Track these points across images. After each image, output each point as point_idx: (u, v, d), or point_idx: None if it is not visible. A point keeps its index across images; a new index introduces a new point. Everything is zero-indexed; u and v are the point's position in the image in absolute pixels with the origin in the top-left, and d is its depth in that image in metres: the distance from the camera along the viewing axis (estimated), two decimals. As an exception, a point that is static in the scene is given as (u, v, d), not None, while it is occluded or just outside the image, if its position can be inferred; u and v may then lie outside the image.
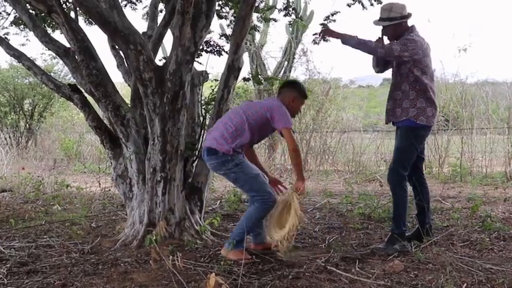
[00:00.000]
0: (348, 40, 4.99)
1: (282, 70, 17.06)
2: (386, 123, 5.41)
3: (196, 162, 5.68)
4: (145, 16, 8.40)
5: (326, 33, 5.23)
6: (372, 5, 7.42)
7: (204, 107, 5.88)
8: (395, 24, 5.12)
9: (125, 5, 7.97)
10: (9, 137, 18.08)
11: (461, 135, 13.43)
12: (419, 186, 5.33)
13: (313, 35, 5.38)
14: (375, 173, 12.45)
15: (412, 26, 5.17)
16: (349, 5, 7.74)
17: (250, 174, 4.82)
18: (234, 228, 5.17)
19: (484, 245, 5.23)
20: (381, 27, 5.22)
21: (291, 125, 4.88)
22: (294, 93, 5.05)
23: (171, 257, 4.29)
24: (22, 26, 8.57)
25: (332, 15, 7.62)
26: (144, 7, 8.46)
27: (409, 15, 5.16)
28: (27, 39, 10.31)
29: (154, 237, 4.88)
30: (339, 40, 5.06)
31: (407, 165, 5.13)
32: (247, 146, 5.06)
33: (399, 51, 4.90)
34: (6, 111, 19.55)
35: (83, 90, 5.89)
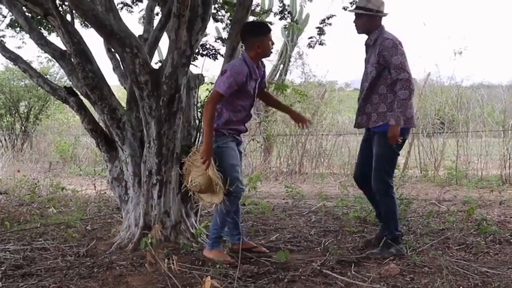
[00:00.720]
0: (399, 120, 4.83)
1: (278, 73, 17.06)
2: (358, 127, 5.33)
3: (192, 165, 5.66)
4: (142, 20, 8.40)
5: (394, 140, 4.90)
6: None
7: (199, 110, 5.87)
8: (370, 16, 5.04)
9: (121, 8, 7.98)
10: (5, 140, 18.04)
11: (457, 138, 13.46)
12: (370, 190, 5.25)
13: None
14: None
15: (383, 26, 5.11)
16: (344, 8, 7.75)
17: (227, 161, 4.79)
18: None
19: (480, 248, 5.24)
20: (354, 16, 5.17)
21: (223, 90, 4.69)
22: (253, 39, 4.84)
23: (166, 260, 4.29)
24: (18, 29, 8.55)
25: (328, 18, 7.64)
26: (140, 10, 8.48)
27: (385, 14, 5.10)
28: (23, 42, 10.22)
29: (149, 240, 4.87)
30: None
31: (391, 172, 5.10)
32: (248, 113, 4.99)
33: (405, 64, 4.83)
34: (2, 113, 19.51)
35: (78, 93, 5.88)
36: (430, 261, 4.71)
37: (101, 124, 5.88)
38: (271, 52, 5.06)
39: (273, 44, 4.97)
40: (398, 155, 5.16)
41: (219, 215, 4.84)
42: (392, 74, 4.86)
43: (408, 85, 4.79)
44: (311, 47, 7.64)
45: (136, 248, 5.14)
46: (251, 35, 4.87)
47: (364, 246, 5.31)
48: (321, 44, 7.63)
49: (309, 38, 7.63)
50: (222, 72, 4.82)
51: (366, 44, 5.24)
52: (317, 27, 7.51)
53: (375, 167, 5.04)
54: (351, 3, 7.68)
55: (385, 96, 4.97)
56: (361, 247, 5.31)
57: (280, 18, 8.16)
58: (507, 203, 8.34)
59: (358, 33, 5.20)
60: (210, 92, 5.17)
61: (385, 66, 4.92)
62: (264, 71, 5.17)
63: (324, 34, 7.55)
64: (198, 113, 5.84)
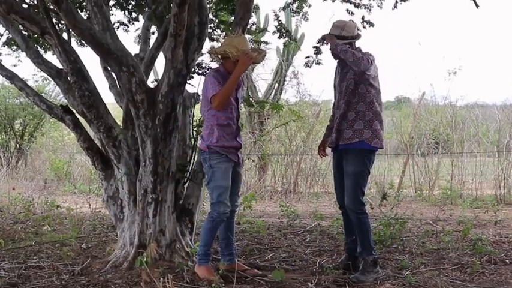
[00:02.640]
0: (336, 48, 4.97)
1: (273, 92, 17.10)
2: (330, 145, 5.28)
3: (187, 184, 5.67)
4: (138, 40, 8.43)
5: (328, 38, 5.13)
6: (364, 27, 7.48)
7: (195, 129, 5.88)
8: (345, 43, 5.06)
9: (117, 27, 8.00)
10: (0, 157, 18.00)
11: (452, 157, 13.49)
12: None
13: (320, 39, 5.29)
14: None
15: (359, 47, 5.13)
16: (321, 39, 7.77)
17: (215, 182, 4.82)
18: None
19: (475, 268, 5.24)
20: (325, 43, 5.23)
21: (215, 91, 4.77)
22: (227, 46, 4.89)
23: (161, 279, 4.28)
24: (14, 47, 8.57)
25: (323, 39, 7.66)
26: (136, 29, 8.50)
27: (358, 36, 5.15)
28: (19, 60, 10.22)
29: (145, 259, 4.86)
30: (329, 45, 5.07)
31: (364, 190, 5.09)
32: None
33: (368, 66, 4.89)
34: (-3, 131, 19.51)
35: (74, 111, 5.89)
36: (426, 281, 4.71)
37: (96, 142, 5.89)
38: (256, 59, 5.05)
39: (249, 53, 4.92)
40: (369, 172, 5.15)
41: (204, 232, 4.90)
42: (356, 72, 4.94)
43: (367, 58, 4.88)
44: (308, 66, 7.66)
45: (131, 267, 5.12)
46: (228, 47, 4.89)
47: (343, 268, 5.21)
48: (317, 63, 7.65)
49: (306, 58, 7.66)
50: (205, 90, 4.92)
51: (339, 66, 5.25)
52: (314, 47, 7.54)
53: (351, 186, 4.99)
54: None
55: (363, 113, 4.97)
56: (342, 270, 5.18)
57: (279, 37, 8.19)
58: (502, 223, 8.36)
59: (335, 59, 5.21)
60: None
61: (358, 78, 4.96)
62: (242, 84, 5.20)
63: (320, 53, 7.59)
64: (194, 131, 5.86)
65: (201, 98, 5.12)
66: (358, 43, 5.21)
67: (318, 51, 7.59)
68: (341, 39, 5.06)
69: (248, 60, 4.81)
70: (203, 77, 7.23)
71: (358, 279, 4.84)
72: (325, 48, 7.73)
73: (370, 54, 4.98)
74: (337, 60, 5.23)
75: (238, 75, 4.83)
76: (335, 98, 5.28)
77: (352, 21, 5.42)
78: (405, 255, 5.87)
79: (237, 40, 4.92)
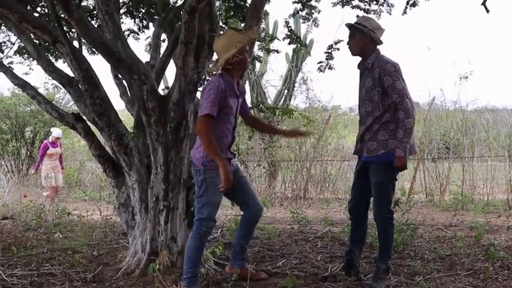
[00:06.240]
0: (406, 150, 4.76)
1: (282, 98, 17.12)
2: (356, 154, 5.18)
3: (198, 191, 5.67)
4: (148, 47, 8.46)
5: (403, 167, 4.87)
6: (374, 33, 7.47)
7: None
8: (362, 35, 4.95)
9: (128, 35, 8.04)
10: (11, 165, 18.07)
11: (462, 162, 13.43)
12: (361, 221, 5.23)
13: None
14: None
15: (379, 50, 5.01)
16: (347, 25, 7.81)
17: (207, 197, 4.62)
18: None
19: (488, 274, 5.21)
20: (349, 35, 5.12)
21: (209, 110, 4.49)
22: (226, 53, 4.64)
23: (173, 286, 4.29)
24: (26, 55, 8.63)
25: (335, 43, 7.69)
26: (147, 37, 8.54)
27: (378, 39, 4.99)
28: (30, 68, 10.28)
29: (157, 266, 4.88)
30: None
31: (391, 199, 5.01)
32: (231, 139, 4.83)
33: (407, 90, 4.78)
34: (8, 138, 19.59)
35: (86, 119, 5.92)
36: (439, 287, 4.70)
37: (107, 150, 5.91)
38: (247, 64, 4.93)
39: (246, 55, 4.78)
40: (397, 179, 5.08)
41: (188, 253, 4.69)
42: (394, 98, 4.76)
43: (413, 113, 4.72)
44: (321, 71, 7.69)
45: (143, 274, 5.13)
46: (224, 49, 4.69)
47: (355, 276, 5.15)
48: (330, 68, 7.67)
49: (319, 63, 7.69)
50: (203, 94, 4.66)
51: (359, 68, 5.14)
52: (325, 52, 7.56)
53: (377, 195, 4.93)
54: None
55: (387, 124, 4.86)
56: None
57: (289, 43, 8.20)
58: (514, 228, 8.31)
59: (353, 55, 5.08)
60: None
61: (385, 91, 4.81)
62: (244, 91, 5.05)
63: (332, 59, 7.61)
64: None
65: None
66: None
67: (329, 56, 7.61)
68: (359, 26, 4.96)
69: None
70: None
71: (371, 287, 4.83)
72: (336, 54, 7.76)
73: (397, 64, 4.87)
74: (357, 65, 5.19)
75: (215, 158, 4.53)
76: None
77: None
78: (417, 261, 5.85)
79: (228, 40, 4.71)
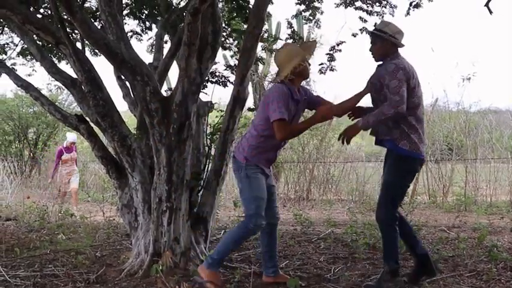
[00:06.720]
0: (366, 125, 4.76)
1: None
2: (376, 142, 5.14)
3: (201, 192, 5.69)
4: (151, 49, 8.48)
5: (348, 138, 4.87)
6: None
7: (209, 137, 5.91)
8: (383, 41, 4.90)
9: (131, 36, 8.06)
10: (14, 166, 18.10)
11: (465, 164, 13.43)
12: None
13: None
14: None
15: (399, 53, 4.93)
16: (354, 35, 7.82)
17: (252, 192, 4.69)
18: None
19: (491, 275, 5.20)
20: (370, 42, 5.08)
21: (282, 114, 4.57)
22: (290, 63, 4.72)
23: (176, 287, 4.29)
24: (29, 57, 8.65)
25: (338, 45, 7.70)
26: (149, 38, 8.56)
27: (399, 43, 4.94)
28: (33, 70, 10.31)
29: (160, 267, 4.88)
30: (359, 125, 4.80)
31: (398, 204, 4.97)
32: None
33: (400, 89, 4.65)
34: (11, 140, 19.64)
35: (89, 120, 5.93)
36: (441, 288, 4.69)
37: (110, 151, 5.92)
38: (308, 75, 4.99)
39: (306, 67, 4.84)
40: (408, 186, 5.01)
41: (227, 240, 4.78)
42: (387, 96, 4.70)
43: (396, 106, 4.60)
44: (322, 73, 7.70)
45: (146, 275, 5.13)
46: (289, 56, 4.77)
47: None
48: (331, 70, 7.67)
49: (320, 65, 7.69)
50: (266, 103, 4.68)
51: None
52: (327, 54, 7.57)
53: (382, 195, 4.91)
54: (360, 30, 7.75)
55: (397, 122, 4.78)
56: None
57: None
58: (517, 230, 8.30)
59: (376, 60, 5.02)
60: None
61: (382, 89, 4.78)
62: (308, 92, 5.03)
63: (334, 60, 7.62)
64: (208, 140, 5.88)
65: (259, 105, 4.90)
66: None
67: (331, 58, 7.61)
68: (380, 32, 4.91)
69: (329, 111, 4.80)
70: (217, 86, 7.31)
71: (370, 287, 4.83)
72: (338, 55, 7.76)
73: (401, 65, 4.77)
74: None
75: (315, 123, 4.91)
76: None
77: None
78: (420, 263, 5.84)
79: (288, 52, 4.84)
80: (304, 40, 8.23)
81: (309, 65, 4.92)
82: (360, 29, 7.70)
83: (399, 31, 4.97)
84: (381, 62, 5.00)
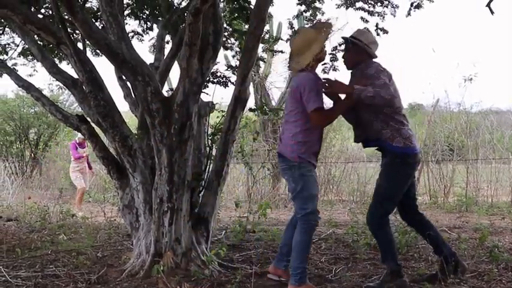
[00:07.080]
0: (358, 94, 4.62)
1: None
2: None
3: (202, 192, 5.68)
4: (152, 49, 8.48)
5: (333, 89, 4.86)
6: (378, 34, 7.49)
7: (210, 137, 5.91)
8: (357, 48, 4.91)
9: (132, 37, 8.06)
10: (15, 166, 18.12)
11: (466, 164, 13.43)
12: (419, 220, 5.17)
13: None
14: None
15: (370, 61, 4.92)
16: (345, 39, 7.79)
17: (309, 190, 4.67)
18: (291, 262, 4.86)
19: (492, 276, 5.19)
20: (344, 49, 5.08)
21: (320, 103, 4.61)
22: (310, 51, 4.75)
23: (178, 287, 4.29)
24: (30, 57, 8.65)
25: (340, 45, 7.69)
26: (150, 39, 8.56)
27: (373, 53, 4.94)
28: (34, 70, 10.30)
29: (161, 268, 4.88)
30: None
31: (390, 210, 4.98)
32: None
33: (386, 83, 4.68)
34: (12, 140, 19.66)
35: (90, 121, 5.93)
36: (443, 289, 4.68)
37: (111, 151, 5.91)
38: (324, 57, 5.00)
39: (323, 51, 4.89)
40: (402, 189, 4.88)
41: (298, 248, 4.68)
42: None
43: (386, 92, 4.58)
44: (325, 73, 7.69)
45: (147, 275, 5.13)
46: (307, 42, 4.79)
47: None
48: (334, 69, 7.68)
49: (323, 64, 7.69)
50: (300, 95, 4.66)
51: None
52: (330, 54, 7.56)
53: (374, 198, 4.93)
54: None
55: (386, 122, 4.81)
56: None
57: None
58: (519, 230, 8.29)
59: (348, 68, 5.06)
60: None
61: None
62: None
63: (337, 60, 7.62)
64: (209, 140, 5.88)
65: (289, 95, 4.90)
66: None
67: (334, 58, 7.61)
68: (355, 40, 4.93)
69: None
70: (218, 86, 7.30)
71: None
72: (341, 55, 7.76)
73: (381, 66, 4.84)
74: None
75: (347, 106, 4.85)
76: None
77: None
78: (421, 263, 5.85)
79: (305, 38, 4.84)
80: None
81: (325, 47, 4.90)
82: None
83: (374, 41, 5.01)
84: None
